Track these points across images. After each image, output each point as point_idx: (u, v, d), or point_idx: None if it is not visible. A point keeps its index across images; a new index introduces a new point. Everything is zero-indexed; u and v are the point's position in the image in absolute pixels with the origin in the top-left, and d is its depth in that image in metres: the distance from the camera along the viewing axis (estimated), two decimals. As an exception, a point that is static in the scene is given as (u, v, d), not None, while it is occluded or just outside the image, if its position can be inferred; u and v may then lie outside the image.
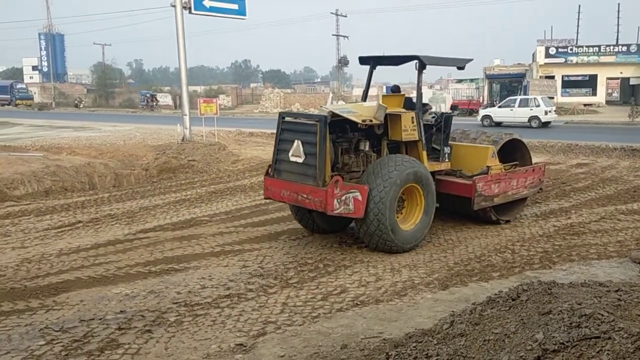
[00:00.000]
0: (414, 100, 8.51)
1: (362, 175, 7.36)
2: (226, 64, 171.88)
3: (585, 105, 40.18)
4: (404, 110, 8.12)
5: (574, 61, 45.58)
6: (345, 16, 66.66)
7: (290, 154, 7.31)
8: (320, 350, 4.54)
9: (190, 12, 18.82)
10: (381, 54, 8.94)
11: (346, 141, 7.64)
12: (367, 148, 7.78)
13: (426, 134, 8.09)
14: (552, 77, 44.59)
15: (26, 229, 8.71)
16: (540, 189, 9.47)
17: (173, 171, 14.25)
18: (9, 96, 65.79)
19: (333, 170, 7.36)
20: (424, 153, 7.87)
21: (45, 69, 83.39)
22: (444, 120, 8.34)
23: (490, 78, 48.90)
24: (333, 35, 66.98)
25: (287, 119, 7.63)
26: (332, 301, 5.71)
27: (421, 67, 7.91)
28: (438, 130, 8.34)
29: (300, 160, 7.18)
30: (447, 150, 8.34)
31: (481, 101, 44.86)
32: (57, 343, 4.77)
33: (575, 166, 14.89)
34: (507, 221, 8.91)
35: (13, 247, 7.72)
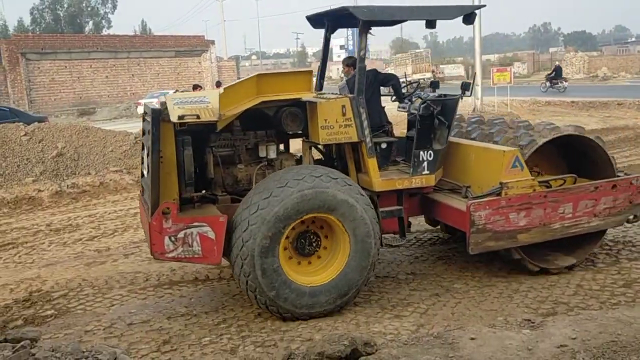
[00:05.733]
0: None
1: None
2: (523, 29, 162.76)
3: None
4: (326, 95, 5.45)
5: None
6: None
7: (144, 164, 5.27)
8: (618, 338, 4.15)
9: (486, -21, 18.37)
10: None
11: (228, 145, 5.22)
12: (273, 154, 5.28)
13: (419, 128, 5.48)
14: None
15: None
16: (635, 216, 5.82)
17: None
18: None
19: (205, 189, 5.23)
20: (372, 162, 5.21)
21: (350, 48, 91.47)
22: (431, 109, 5.46)
23: None
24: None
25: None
26: (637, 289, 5.13)
27: (363, 26, 5.15)
28: (441, 123, 5.53)
29: (146, 173, 5.06)
30: (426, 156, 5.41)
31: None
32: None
33: None
34: (568, 268, 5.64)
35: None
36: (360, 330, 4.63)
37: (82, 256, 6.98)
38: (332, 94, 5.70)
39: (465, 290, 5.31)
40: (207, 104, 4.62)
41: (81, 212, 9.31)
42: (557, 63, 37.29)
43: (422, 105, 5.53)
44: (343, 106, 5.06)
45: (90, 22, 57.83)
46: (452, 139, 5.89)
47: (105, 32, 53.09)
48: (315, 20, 6.05)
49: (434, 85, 6.13)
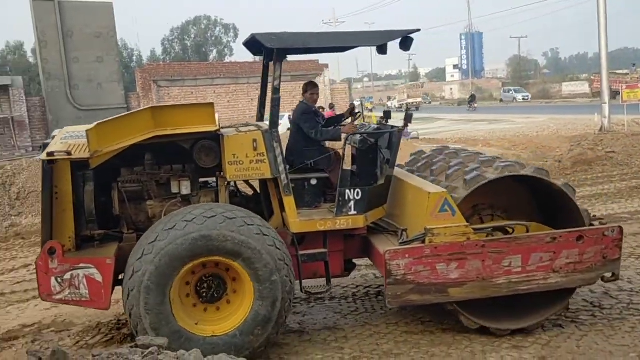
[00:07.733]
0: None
1: None
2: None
3: None
4: (243, 128, 5.06)
5: None
6: None
7: None
8: None
9: (614, -9, 17.32)
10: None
11: (137, 180, 4.88)
12: (185, 190, 4.92)
13: (362, 161, 5.17)
14: None
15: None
16: (613, 274, 4.74)
17: (589, 163, 13.47)
18: None
19: (108, 227, 4.82)
20: (289, 201, 4.77)
21: (464, 67, 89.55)
22: (369, 142, 5.17)
23: None
24: None
25: None
26: None
27: (278, 54, 4.75)
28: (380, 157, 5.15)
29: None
30: (353, 195, 4.83)
31: None
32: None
33: None
34: (516, 331, 4.78)
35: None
36: (476, 359, 4.47)
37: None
38: (254, 126, 5.25)
39: (592, 323, 4.94)
40: (79, 139, 4.41)
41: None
42: (472, 92, 53.53)
43: (358, 139, 5.19)
44: (254, 140, 4.73)
45: (214, 51, 61.65)
46: (399, 174, 5.37)
47: (227, 59, 56.30)
48: (252, 47, 5.55)
49: (386, 115, 5.50)
